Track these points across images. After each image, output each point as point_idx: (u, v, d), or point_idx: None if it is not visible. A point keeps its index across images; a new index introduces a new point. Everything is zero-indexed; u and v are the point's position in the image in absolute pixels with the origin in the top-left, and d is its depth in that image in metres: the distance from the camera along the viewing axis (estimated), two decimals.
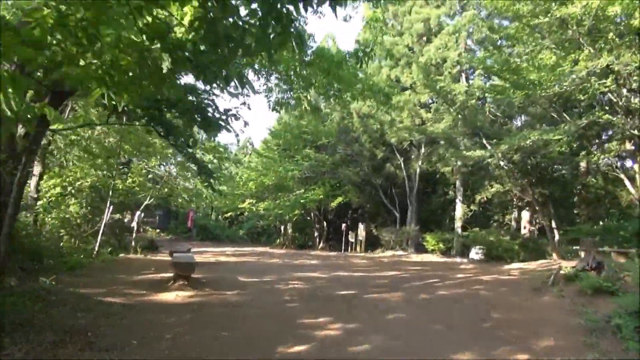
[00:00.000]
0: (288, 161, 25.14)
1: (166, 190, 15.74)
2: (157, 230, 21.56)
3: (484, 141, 14.53)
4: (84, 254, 12.11)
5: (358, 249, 23.18)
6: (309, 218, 27.55)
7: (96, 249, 12.11)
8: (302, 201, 24.20)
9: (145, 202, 14.42)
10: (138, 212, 14.14)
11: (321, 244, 26.82)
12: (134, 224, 13.89)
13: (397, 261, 16.69)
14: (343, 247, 24.42)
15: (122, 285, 8.03)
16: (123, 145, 12.21)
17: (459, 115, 15.63)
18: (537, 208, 14.28)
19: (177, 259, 8.03)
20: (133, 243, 13.64)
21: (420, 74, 15.86)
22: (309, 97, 9.94)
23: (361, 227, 22.75)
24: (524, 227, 20.47)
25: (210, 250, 21.33)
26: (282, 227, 28.87)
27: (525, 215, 20.67)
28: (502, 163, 14.53)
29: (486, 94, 15.18)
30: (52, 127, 7.66)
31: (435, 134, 17.75)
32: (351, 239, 23.88)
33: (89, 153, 12.63)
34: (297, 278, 10.00)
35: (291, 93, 10.08)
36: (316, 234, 27.70)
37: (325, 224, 26.67)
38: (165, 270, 9.44)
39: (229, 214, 33.53)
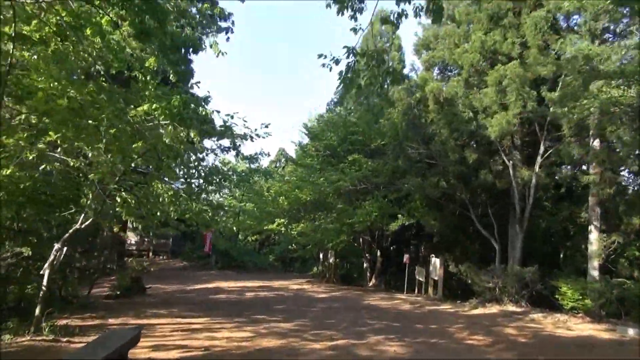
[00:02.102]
0: (331, 170, 17.63)
1: (92, 205, 7.12)
2: (149, 258, 14.30)
3: None
4: None
5: (430, 291, 15.16)
6: (356, 244, 19.84)
7: None
8: (349, 221, 16.55)
9: (76, 226, 6.78)
10: (57, 246, 6.61)
11: (372, 280, 18.96)
12: (45, 268, 6.41)
13: (543, 339, 8.55)
14: (405, 287, 16.50)
15: None
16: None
17: None
18: None
19: None
20: (38, 310, 6.21)
21: None
22: None
23: (436, 262, 14.72)
24: None
25: (222, 289, 13.96)
26: (321, 254, 21.20)
27: None
28: None
29: None
30: None
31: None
32: (419, 277, 15.94)
33: None
34: None
35: None
36: (365, 264, 19.88)
37: (379, 253, 18.82)
38: None
39: (255, 237, 26.26)
